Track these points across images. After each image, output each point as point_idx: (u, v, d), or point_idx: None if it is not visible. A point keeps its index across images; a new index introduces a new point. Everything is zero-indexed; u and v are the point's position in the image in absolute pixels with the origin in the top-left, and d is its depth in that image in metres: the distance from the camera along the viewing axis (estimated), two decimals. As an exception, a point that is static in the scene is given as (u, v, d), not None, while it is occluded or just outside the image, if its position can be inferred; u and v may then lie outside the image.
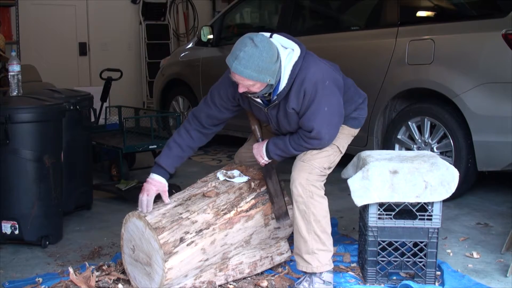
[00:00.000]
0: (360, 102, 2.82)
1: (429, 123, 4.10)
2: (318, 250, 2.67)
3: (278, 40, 2.57)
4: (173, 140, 2.80)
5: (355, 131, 2.85)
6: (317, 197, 2.64)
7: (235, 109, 2.79)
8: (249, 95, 2.58)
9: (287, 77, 2.53)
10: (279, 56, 2.49)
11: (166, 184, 2.73)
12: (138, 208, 2.65)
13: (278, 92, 2.55)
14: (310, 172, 2.64)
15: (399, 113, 4.34)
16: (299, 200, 2.64)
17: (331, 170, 2.75)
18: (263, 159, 2.79)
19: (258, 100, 2.63)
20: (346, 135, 2.80)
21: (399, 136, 4.27)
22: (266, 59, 2.41)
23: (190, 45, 6.29)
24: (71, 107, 3.75)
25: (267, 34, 2.56)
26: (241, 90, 2.51)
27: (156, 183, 2.71)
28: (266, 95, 2.59)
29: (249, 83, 2.46)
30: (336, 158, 2.76)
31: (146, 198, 2.63)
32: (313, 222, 2.64)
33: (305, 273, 2.74)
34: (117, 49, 8.92)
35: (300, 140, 2.66)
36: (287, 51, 2.55)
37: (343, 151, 2.79)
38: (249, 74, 2.41)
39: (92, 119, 4.13)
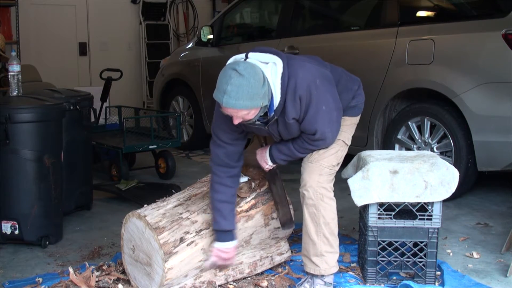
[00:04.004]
0: (356, 88, 2.79)
1: (429, 123, 4.10)
2: (326, 252, 2.67)
3: (256, 57, 2.48)
4: (215, 200, 2.63)
5: (356, 119, 2.83)
6: (327, 200, 2.63)
7: (243, 135, 2.69)
8: (246, 123, 2.51)
9: (279, 91, 2.46)
10: (265, 76, 2.42)
11: (234, 246, 2.65)
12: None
13: (275, 108, 2.49)
14: (320, 173, 2.63)
15: (399, 113, 4.34)
16: (309, 203, 2.63)
17: (339, 165, 2.74)
18: (267, 165, 2.76)
19: (257, 122, 2.55)
20: (348, 126, 2.78)
21: (399, 136, 4.27)
22: (255, 85, 2.34)
23: (190, 45, 6.28)
24: (71, 107, 3.75)
25: (242, 56, 2.49)
26: (236, 121, 2.43)
27: (232, 249, 2.64)
28: (262, 115, 2.51)
29: (243, 113, 2.38)
30: (343, 153, 2.75)
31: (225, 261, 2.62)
32: (322, 224, 2.63)
33: (307, 273, 2.74)
34: (117, 49, 8.92)
35: (304, 143, 2.63)
36: (269, 65, 2.47)
37: (349, 143, 2.77)
38: (242, 104, 2.33)
39: (92, 119, 4.13)
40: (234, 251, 2.65)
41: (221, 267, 2.70)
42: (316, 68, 2.58)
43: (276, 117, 2.53)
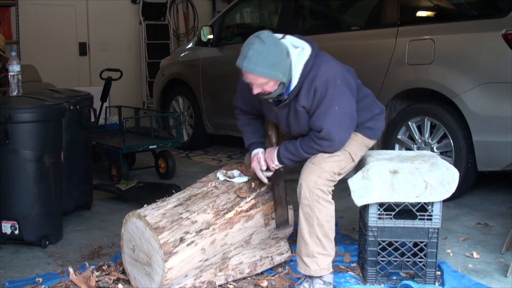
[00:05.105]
0: (377, 112, 2.80)
1: (429, 123, 4.10)
2: (318, 254, 2.66)
3: (290, 40, 2.59)
4: (241, 127, 2.96)
5: (369, 142, 2.80)
6: (323, 202, 2.62)
7: (260, 116, 2.91)
8: (264, 97, 2.59)
9: (298, 75, 2.54)
10: (289, 53, 2.51)
11: (261, 151, 2.85)
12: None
13: (290, 91, 2.57)
14: (319, 175, 2.62)
15: (399, 113, 4.34)
16: (305, 203, 2.63)
17: (341, 177, 2.72)
18: (273, 163, 2.77)
19: (270, 100, 2.64)
20: (359, 144, 2.75)
21: (399, 136, 4.27)
22: (275, 54, 2.44)
23: (190, 45, 6.28)
24: (71, 107, 3.75)
25: (280, 35, 2.59)
26: (255, 91, 2.52)
27: (259, 156, 2.83)
28: (277, 96, 2.59)
29: (262, 81, 2.47)
30: (348, 166, 2.72)
31: (263, 173, 2.80)
32: (315, 225, 2.62)
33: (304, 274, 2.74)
34: (117, 49, 8.92)
35: (310, 142, 2.64)
36: (298, 50, 2.56)
37: (356, 160, 2.74)
38: (260, 70, 2.43)
39: (92, 119, 4.13)
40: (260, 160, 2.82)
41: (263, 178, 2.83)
42: (341, 71, 2.61)
43: (288, 101, 2.59)
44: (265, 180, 2.82)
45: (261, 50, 2.42)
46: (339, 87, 2.55)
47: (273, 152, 2.77)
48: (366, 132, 2.76)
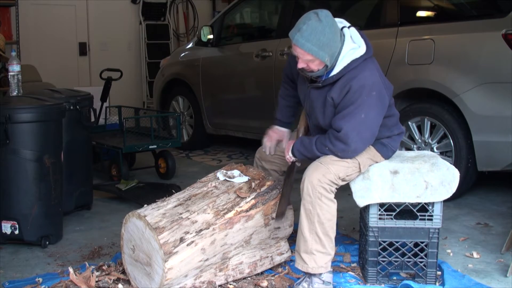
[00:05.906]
0: (395, 133, 2.82)
1: (429, 123, 4.10)
2: (317, 251, 2.66)
3: (352, 33, 2.63)
4: (278, 97, 3.10)
5: (380, 158, 2.79)
6: (325, 200, 2.61)
7: (296, 95, 2.97)
8: (306, 73, 2.62)
9: (341, 67, 2.56)
10: (341, 39, 2.54)
11: (286, 132, 3.05)
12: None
13: (327, 77, 2.59)
14: (324, 174, 2.61)
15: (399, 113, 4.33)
16: (307, 199, 2.63)
17: (344, 183, 2.72)
18: (288, 155, 2.82)
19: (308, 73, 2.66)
20: (370, 156, 2.75)
21: (399, 136, 4.26)
22: (328, 35, 2.47)
23: (190, 45, 6.28)
24: (71, 107, 3.75)
25: (346, 24, 2.63)
26: (300, 65, 2.56)
27: (277, 131, 3.03)
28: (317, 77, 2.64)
29: (308, 57, 2.50)
30: (353, 174, 2.72)
31: (269, 143, 3.00)
32: (316, 223, 2.62)
33: (302, 272, 2.74)
34: (117, 49, 8.92)
35: (326, 140, 2.65)
36: (354, 45, 2.59)
37: (362, 170, 2.74)
38: (309, 47, 2.46)
39: (92, 119, 4.13)
40: (282, 135, 3.03)
41: (266, 148, 3.03)
42: (380, 84, 2.62)
43: (322, 85, 2.63)
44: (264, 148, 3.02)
45: (316, 27, 2.44)
46: (372, 98, 2.56)
47: (291, 144, 2.81)
48: (379, 147, 2.78)
